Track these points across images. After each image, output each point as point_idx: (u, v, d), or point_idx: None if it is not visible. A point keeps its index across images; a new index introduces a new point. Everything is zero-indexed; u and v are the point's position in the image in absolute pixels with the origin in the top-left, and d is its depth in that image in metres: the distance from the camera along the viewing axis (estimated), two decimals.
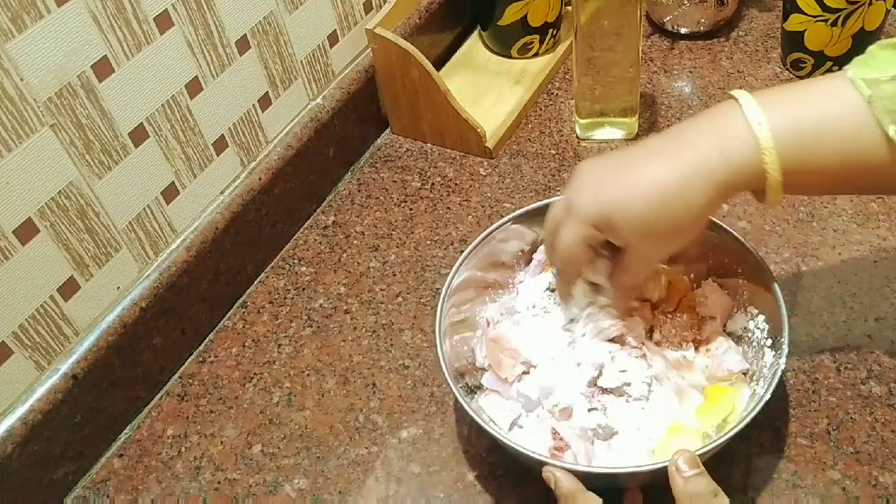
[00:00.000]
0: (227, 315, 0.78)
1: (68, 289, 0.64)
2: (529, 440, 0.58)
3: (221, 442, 0.68)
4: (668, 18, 1.00)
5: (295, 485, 0.64)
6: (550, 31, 0.99)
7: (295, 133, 0.82)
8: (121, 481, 0.66)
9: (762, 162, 0.50)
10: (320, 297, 0.78)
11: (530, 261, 0.70)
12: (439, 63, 1.00)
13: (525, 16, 0.96)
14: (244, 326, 0.77)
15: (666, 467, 0.51)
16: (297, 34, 0.80)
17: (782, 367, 0.56)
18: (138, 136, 0.66)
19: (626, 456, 0.58)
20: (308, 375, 0.71)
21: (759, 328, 0.62)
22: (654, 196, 0.52)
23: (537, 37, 0.99)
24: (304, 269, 0.81)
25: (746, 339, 0.63)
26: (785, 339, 0.57)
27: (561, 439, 0.59)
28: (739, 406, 0.59)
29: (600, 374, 0.60)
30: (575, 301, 0.62)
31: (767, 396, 0.54)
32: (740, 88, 0.53)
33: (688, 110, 0.91)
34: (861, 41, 0.87)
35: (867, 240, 0.75)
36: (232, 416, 0.69)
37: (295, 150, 0.82)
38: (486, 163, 0.89)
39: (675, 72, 0.97)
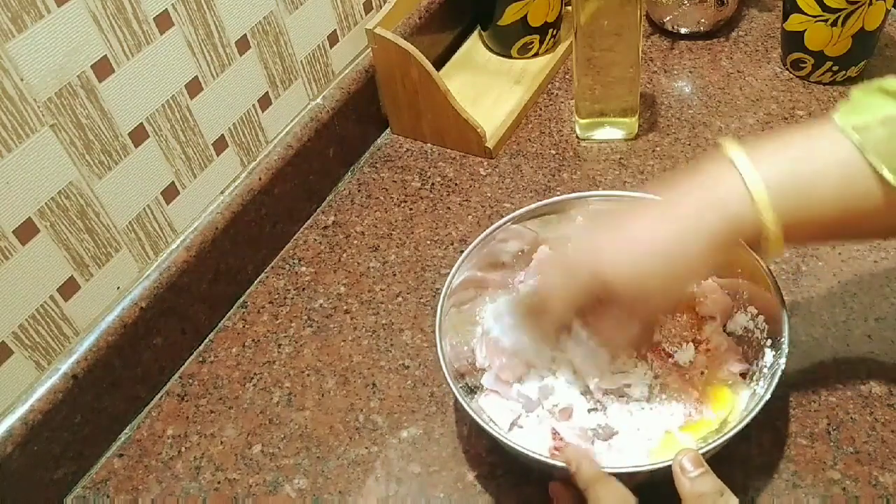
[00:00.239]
0: (227, 315, 0.78)
1: (68, 289, 0.64)
2: (529, 440, 0.58)
3: (221, 442, 0.68)
4: (668, 18, 1.00)
5: (295, 485, 0.64)
6: (550, 31, 0.99)
7: (295, 133, 0.82)
8: (121, 481, 0.66)
9: (760, 218, 0.50)
10: (320, 297, 0.78)
11: (530, 261, 0.70)
12: (439, 63, 1.00)
13: (525, 16, 0.96)
14: (244, 326, 0.77)
15: (666, 467, 0.51)
16: (297, 34, 0.80)
17: (782, 367, 0.56)
18: (138, 136, 0.66)
19: (625, 456, 0.58)
20: (308, 375, 0.71)
21: (759, 328, 0.62)
22: (650, 254, 0.52)
23: (537, 37, 0.99)
24: (304, 269, 0.81)
25: (746, 339, 0.63)
26: (785, 339, 0.57)
27: (561, 439, 0.59)
28: (739, 406, 0.59)
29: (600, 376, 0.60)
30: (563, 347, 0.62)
31: (767, 396, 0.54)
32: (726, 139, 0.52)
33: (688, 110, 0.91)
34: (861, 41, 0.87)
35: None
36: (232, 416, 0.69)
37: (295, 150, 0.82)
38: (486, 163, 0.89)
39: (675, 72, 0.97)
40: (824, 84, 0.92)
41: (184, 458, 0.67)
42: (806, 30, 0.88)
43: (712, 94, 0.93)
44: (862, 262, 0.73)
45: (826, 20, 0.86)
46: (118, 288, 0.68)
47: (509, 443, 0.55)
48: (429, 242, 0.81)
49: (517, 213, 0.68)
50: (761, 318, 0.62)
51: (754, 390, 0.59)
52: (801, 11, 0.87)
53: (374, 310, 0.76)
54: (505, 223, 0.67)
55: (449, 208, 0.84)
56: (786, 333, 0.58)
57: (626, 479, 0.52)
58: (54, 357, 0.64)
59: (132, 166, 0.66)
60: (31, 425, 0.61)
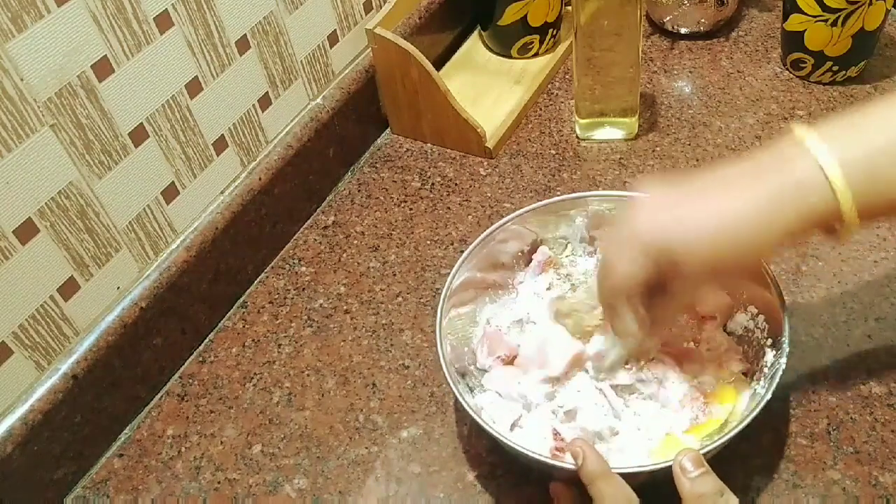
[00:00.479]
0: (227, 315, 0.78)
1: (68, 289, 0.64)
2: (530, 440, 0.58)
3: (221, 442, 0.68)
4: (668, 18, 1.00)
5: (295, 485, 0.64)
6: (550, 31, 0.99)
7: (295, 133, 0.82)
8: (121, 481, 0.66)
9: (837, 207, 0.48)
10: (320, 297, 0.78)
11: (530, 261, 0.70)
12: (439, 63, 1.00)
13: (525, 16, 0.96)
14: (244, 326, 0.77)
15: (667, 467, 0.51)
16: (297, 34, 0.80)
17: (782, 366, 0.56)
18: (138, 136, 0.66)
19: (626, 456, 0.58)
20: (308, 375, 0.71)
21: (759, 328, 0.62)
22: (723, 231, 0.51)
23: (537, 37, 0.99)
24: (304, 269, 0.81)
25: (746, 338, 0.63)
26: (785, 339, 0.57)
27: (562, 440, 0.59)
28: (739, 406, 0.59)
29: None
30: (629, 335, 0.58)
31: (768, 396, 0.54)
32: (798, 123, 0.51)
33: (688, 110, 0.91)
34: (861, 41, 0.87)
35: (867, 240, 0.75)
36: (232, 416, 0.69)
37: (295, 150, 0.82)
38: (486, 163, 0.89)
39: (675, 72, 0.97)
40: (824, 84, 0.92)
41: (184, 458, 0.67)
42: (806, 30, 0.88)
43: (712, 94, 0.93)
44: (862, 262, 0.73)
45: (826, 20, 0.86)
46: (118, 288, 0.68)
47: (509, 443, 0.55)
48: (429, 242, 0.81)
49: (518, 212, 0.68)
50: (761, 317, 0.62)
51: (755, 390, 0.59)
52: (801, 11, 0.87)
53: (374, 310, 0.76)
54: (505, 223, 0.67)
55: (449, 208, 0.84)
56: (786, 333, 0.58)
57: (628, 479, 0.52)
58: (54, 357, 0.64)
59: (132, 166, 0.66)
60: (31, 425, 0.61)
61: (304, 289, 0.79)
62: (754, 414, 0.53)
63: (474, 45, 1.04)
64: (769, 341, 0.60)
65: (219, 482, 0.65)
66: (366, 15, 0.89)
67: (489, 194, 0.85)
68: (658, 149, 0.88)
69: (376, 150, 0.93)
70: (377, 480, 0.63)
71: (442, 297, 0.63)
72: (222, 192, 0.76)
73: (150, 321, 0.70)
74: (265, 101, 0.79)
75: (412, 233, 0.82)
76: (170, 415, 0.70)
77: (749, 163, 0.52)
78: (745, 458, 0.61)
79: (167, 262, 0.71)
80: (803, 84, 0.93)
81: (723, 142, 0.87)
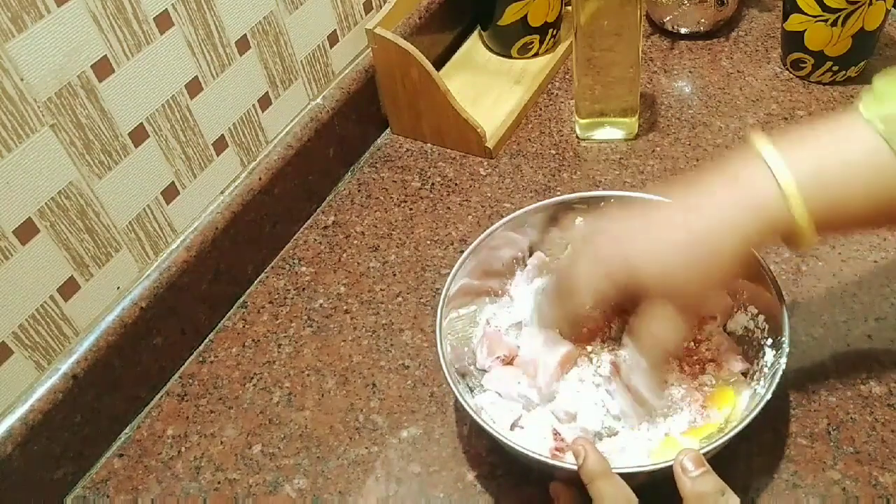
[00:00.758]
0: (227, 315, 0.78)
1: (68, 289, 0.64)
2: (530, 440, 0.58)
3: (221, 442, 0.68)
4: (668, 18, 1.00)
5: (295, 485, 0.64)
6: (550, 31, 0.99)
7: (295, 133, 0.82)
8: (121, 481, 0.66)
9: (790, 213, 0.49)
10: (320, 297, 0.78)
11: (524, 267, 0.70)
12: (439, 63, 1.00)
13: (525, 16, 0.96)
14: (244, 326, 0.77)
15: (666, 467, 0.51)
16: (297, 34, 0.80)
17: (782, 367, 0.56)
18: (138, 136, 0.66)
19: (626, 456, 0.58)
20: (308, 375, 0.71)
21: (759, 328, 0.62)
22: (681, 247, 0.52)
23: (537, 37, 0.99)
24: (304, 269, 0.81)
25: (746, 338, 0.63)
26: (785, 339, 0.57)
27: (562, 440, 0.59)
28: (740, 406, 0.59)
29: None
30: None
31: (768, 396, 0.54)
32: (756, 134, 0.52)
33: (688, 110, 0.91)
34: (861, 41, 0.87)
35: (867, 240, 0.75)
36: (232, 416, 0.69)
37: (295, 150, 0.82)
38: (486, 163, 0.89)
39: (675, 72, 0.97)
40: (824, 84, 0.92)
41: (184, 458, 0.67)
42: (806, 30, 0.88)
43: (712, 94, 0.93)
44: (862, 262, 0.73)
45: (826, 20, 0.86)
46: (118, 288, 0.68)
47: (510, 443, 0.55)
48: (429, 242, 0.81)
49: (518, 213, 0.68)
50: (761, 317, 0.62)
51: (755, 390, 0.59)
52: (801, 11, 0.87)
53: (374, 310, 0.76)
54: (506, 223, 0.67)
55: (449, 208, 0.84)
56: (786, 333, 0.58)
57: (627, 479, 0.52)
58: (54, 357, 0.64)
59: (132, 166, 0.66)
60: (31, 425, 0.61)
61: (304, 289, 0.79)
62: (754, 414, 0.53)
63: (474, 45, 1.04)
64: (769, 341, 0.60)
65: (219, 482, 0.65)
66: (366, 15, 0.89)
67: (489, 194, 0.85)
68: (658, 149, 0.88)
69: (376, 150, 0.93)
70: (377, 480, 0.63)
71: (442, 296, 0.63)
72: (222, 192, 0.76)
73: (150, 321, 0.70)
74: (265, 101, 0.79)
75: (412, 233, 0.82)
76: (170, 415, 0.70)
77: (709, 176, 0.53)
78: (745, 458, 0.61)
79: (167, 262, 0.71)
80: (803, 84, 0.93)
81: (723, 142, 0.87)
